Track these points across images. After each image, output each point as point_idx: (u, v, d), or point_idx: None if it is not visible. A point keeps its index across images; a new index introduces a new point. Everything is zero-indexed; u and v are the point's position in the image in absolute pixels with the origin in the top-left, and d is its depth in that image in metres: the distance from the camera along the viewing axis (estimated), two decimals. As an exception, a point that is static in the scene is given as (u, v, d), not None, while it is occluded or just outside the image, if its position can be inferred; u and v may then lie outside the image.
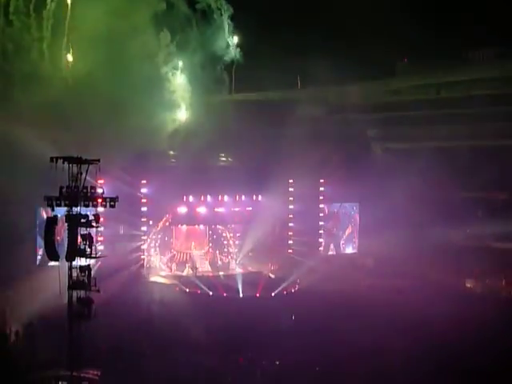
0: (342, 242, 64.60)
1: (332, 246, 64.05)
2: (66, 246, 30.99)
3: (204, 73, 60.46)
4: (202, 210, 59.21)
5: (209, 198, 58.86)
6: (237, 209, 60.58)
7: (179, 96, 62.29)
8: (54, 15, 56.08)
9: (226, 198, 59.58)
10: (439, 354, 39.66)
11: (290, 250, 62.01)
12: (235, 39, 61.77)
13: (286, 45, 59.37)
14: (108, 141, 47.24)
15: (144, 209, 55.55)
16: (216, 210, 59.74)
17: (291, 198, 61.94)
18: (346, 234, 64.88)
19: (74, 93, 52.54)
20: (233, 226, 61.89)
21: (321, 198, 62.91)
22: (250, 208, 60.77)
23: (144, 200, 55.29)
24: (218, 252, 61.67)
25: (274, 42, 59.18)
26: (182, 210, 58.53)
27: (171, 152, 60.29)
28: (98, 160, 31.25)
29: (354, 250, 64.75)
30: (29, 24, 55.94)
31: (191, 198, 58.28)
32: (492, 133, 60.16)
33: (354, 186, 59.98)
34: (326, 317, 45.47)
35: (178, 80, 61.67)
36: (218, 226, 61.68)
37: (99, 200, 31.53)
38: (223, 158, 62.42)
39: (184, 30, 59.92)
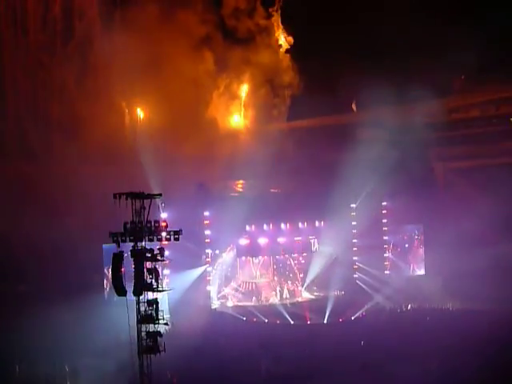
0: (408, 264, 63.77)
1: (398, 269, 63.28)
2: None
3: (258, 99, 60.83)
4: (263, 240, 59.19)
5: (271, 226, 58.83)
6: (299, 238, 60.35)
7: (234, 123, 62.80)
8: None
9: (288, 226, 59.47)
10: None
11: (356, 275, 61.44)
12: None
13: (341, 69, 59.31)
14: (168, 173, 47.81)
15: (207, 240, 55.77)
16: (278, 240, 59.63)
17: (354, 223, 61.51)
18: (412, 256, 64.05)
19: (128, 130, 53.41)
20: (296, 255, 61.64)
21: (384, 221, 62.31)
22: (313, 237, 60.52)
23: (207, 232, 55.52)
24: (283, 280, 61.44)
25: (328, 66, 59.22)
26: (244, 241, 58.60)
27: (231, 182, 60.67)
28: (160, 194, 31.57)
29: (422, 272, 63.80)
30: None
31: (253, 228, 58.32)
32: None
33: (417, 208, 59.28)
34: (395, 341, 44.80)
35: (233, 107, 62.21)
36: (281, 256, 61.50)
37: (163, 234, 31.77)
38: (275, 190, 61.67)
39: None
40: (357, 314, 54.39)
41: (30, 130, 54.91)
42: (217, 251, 57.39)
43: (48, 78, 55.94)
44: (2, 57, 55.31)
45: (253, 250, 59.31)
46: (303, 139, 64.16)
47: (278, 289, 60.73)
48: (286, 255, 61.32)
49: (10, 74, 55.07)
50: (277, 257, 61.30)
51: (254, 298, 59.14)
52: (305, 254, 61.39)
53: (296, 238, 60.23)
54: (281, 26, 64.01)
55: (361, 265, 61.41)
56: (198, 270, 55.50)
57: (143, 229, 31.00)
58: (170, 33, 57.10)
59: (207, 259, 56.25)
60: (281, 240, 59.73)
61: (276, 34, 63.86)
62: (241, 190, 59.06)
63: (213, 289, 57.24)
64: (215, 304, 56.72)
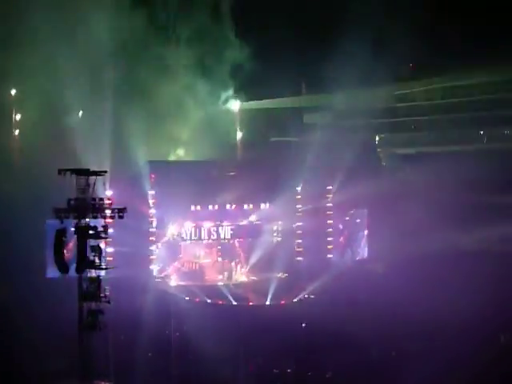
0: (350, 248, 64.34)
1: (340, 253, 63.82)
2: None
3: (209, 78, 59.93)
4: (208, 224, 59.06)
5: (216, 207, 58.65)
6: (244, 222, 60.29)
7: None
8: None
9: (233, 207, 59.40)
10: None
11: (299, 258, 61.79)
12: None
13: (291, 53, 59.10)
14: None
15: (152, 219, 55.52)
16: (222, 224, 59.49)
17: (299, 206, 61.77)
18: (355, 240, 64.60)
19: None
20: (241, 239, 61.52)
21: (329, 205, 62.66)
22: (259, 222, 60.54)
23: (152, 211, 55.24)
24: (226, 261, 61.42)
25: (279, 49, 58.93)
26: (189, 225, 58.39)
27: (177, 162, 60.23)
28: (106, 171, 31.33)
29: (364, 256, 64.46)
30: None
31: (199, 208, 58.07)
32: (499, 137, 60.08)
33: (362, 192, 59.77)
34: (336, 323, 45.38)
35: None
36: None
37: (107, 211, 31.54)
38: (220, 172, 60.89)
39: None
40: (299, 297, 54.83)
41: None
42: (160, 231, 57.11)
43: None
44: None
45: (196, 235, 59.14)
46: (252, 122, 63.93)
47: (220, 269, 60.73)
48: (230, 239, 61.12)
49: None
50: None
51: (197, 278, 59.01)
52: (249, 239, 61.29)
53: (241, 223, 60.18)
54: None
55: (304, 248, 61.68)
56: (142, 249, 55.19)
57: (87, 205, 30.79)
58: None
59: (151, 238, 56.02)
60: (226, 224, 59.62)
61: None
62: (186, 171, 58.55)
63: (156, 268, 57.05)
64: (158, 283, 56.43)
